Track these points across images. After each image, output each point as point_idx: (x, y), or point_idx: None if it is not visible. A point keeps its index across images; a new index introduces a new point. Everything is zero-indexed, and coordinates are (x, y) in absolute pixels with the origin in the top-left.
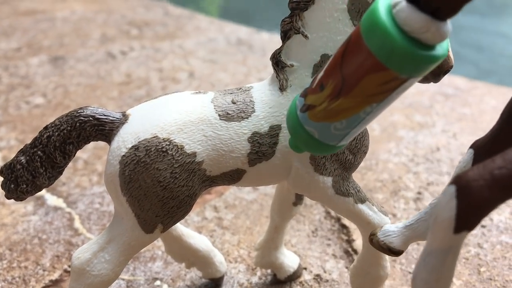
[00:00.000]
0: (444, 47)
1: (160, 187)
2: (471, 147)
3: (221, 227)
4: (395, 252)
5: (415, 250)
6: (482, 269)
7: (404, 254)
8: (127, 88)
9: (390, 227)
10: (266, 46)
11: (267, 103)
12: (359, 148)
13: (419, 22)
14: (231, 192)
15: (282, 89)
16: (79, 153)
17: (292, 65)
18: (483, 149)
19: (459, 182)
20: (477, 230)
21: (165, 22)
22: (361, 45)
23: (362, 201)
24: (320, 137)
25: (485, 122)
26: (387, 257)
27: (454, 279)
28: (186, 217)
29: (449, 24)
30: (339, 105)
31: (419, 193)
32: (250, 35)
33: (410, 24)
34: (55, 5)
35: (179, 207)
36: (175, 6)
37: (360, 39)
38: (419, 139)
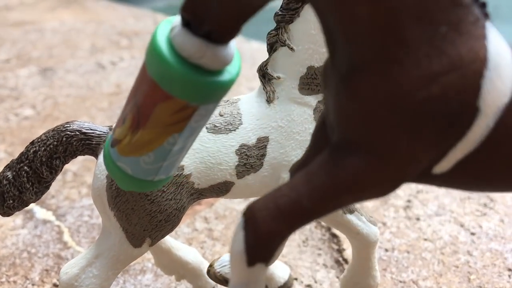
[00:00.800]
0: (233, 72)
1: (148, 201)
2: (289, 170)
3: (212, 238)
4: None
5: (405, 258)
6: (472, 277)
7: (394, 263)
8: (117, 99)
9: (227, 257)
10: (256, 55)
11: (255, 115)
12: None
13: (194, 47)
14: (222, 202)
15: (269, 101)
16: (68, 165)
17: (279, 77)
18: (295, 173)
19: (247, 212)
20: (466, 238)
21: None
22: (146, 73)
23: (351, 211)
24: (133, 173)
25: None
26: (377, 266)
27: (444, 287)
28: (176, 228)
29: (233, 47)
30: (141, 138)
31: (408, 201)
32: (240, 44)
33: (186, 50)
34: (44, 15)
35: (167, 221)
36: (164, 15)
37: (145, 67)
38: None
